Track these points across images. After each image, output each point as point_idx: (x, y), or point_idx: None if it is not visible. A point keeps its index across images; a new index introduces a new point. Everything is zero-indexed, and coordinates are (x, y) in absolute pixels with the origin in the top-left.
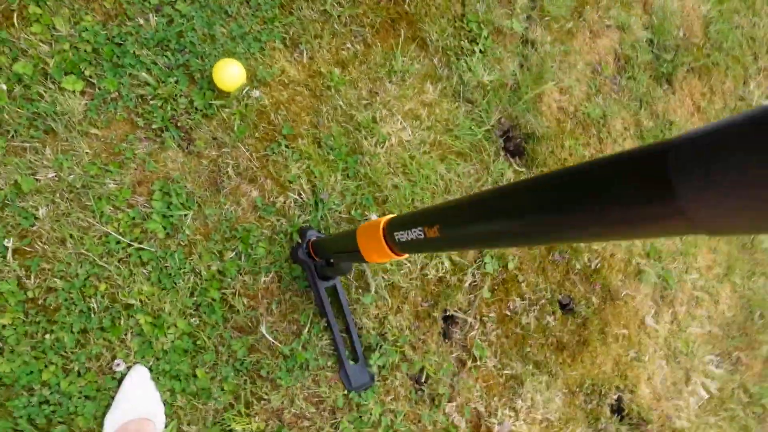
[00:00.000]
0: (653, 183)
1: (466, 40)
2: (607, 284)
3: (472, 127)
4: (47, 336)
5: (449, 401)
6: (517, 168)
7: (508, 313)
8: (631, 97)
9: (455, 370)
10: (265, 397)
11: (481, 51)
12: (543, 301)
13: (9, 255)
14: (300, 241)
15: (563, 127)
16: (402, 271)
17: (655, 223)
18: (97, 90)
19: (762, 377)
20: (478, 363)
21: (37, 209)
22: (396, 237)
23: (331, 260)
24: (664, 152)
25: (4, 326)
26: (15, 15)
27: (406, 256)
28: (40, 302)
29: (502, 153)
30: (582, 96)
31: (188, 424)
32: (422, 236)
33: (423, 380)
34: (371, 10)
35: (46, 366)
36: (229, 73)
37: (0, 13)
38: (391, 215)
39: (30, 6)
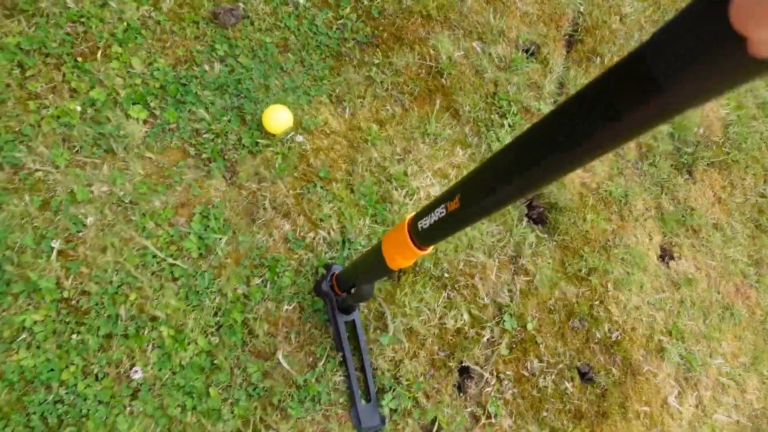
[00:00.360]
0: (640, 83)
1: (497, 115)
2: (628, 357)
3: None
4: (74, 336)
5: None
6: (539, 234)
7: (526, 374)
8: (652, 181)
9: (468, 426)
10: (274, 426)
11: (509, 125)
12: (561, 366)
13: (54, 255)
14: (325, 272)
15: (585, 202)
16: (420, 318)
17: (647, 119)
18: (158, 120)
19: None
20: (493, 421)
21: (86, 217)
22: (419, 226)
23: (352, 289)
24: (642, 53)
25: (35, 322)
26: (99, 51)
27: (429, 250)
28: (72, 303)
29: (525, 219)
30: (605, 175)
31: None
32: (444, 213)
33: (435, 431)
34: (411, 80)
35: (67, 366)
36: (278, 118)
37: (88, 49)
38: (414, 213)
39: (113, 46)
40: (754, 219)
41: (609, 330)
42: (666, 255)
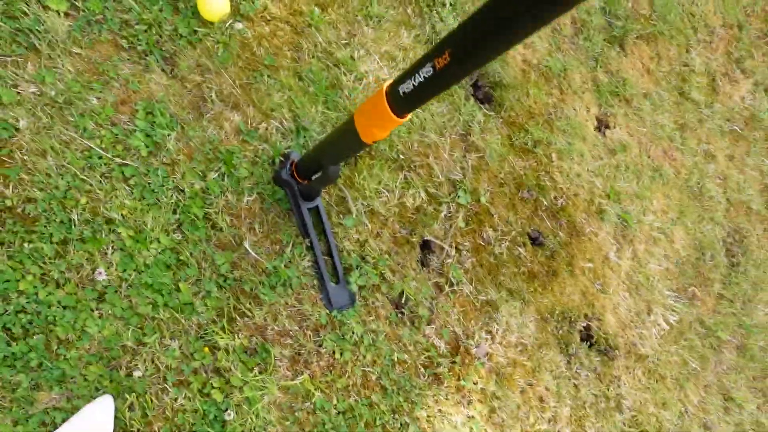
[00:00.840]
0: None
1: None
2: (572, 221)
3: None
4: (25, 245)
5: (428, 324)
6: (486, 112)
7: (482, 243)
8: (587, 56)
9: (433, 295)
10: (249, 313)
11: (451, 4)
12: (514, 233)
13: None
14: (283, 161)
15: (528, 78)
16: (381, 199)
17: None
18: (81, 12)
19: (715, 312)
20: (455, 288)
21: (18, 121)
22: (401, 91)
23: (314, 177)
24: None
25: None
26: None
27: (408, 117)
28: (18, 211)
29: (472, 99)
30: (544, 51)
31: (171, 338)
32: (431, 71)
33: (403, 303)
34: None
35: (23, 276)
36: (214, 3)
37: None
38: (390, 79)
39: None
40: (678, 87)
41: (555, 197)
42: (602, 124)
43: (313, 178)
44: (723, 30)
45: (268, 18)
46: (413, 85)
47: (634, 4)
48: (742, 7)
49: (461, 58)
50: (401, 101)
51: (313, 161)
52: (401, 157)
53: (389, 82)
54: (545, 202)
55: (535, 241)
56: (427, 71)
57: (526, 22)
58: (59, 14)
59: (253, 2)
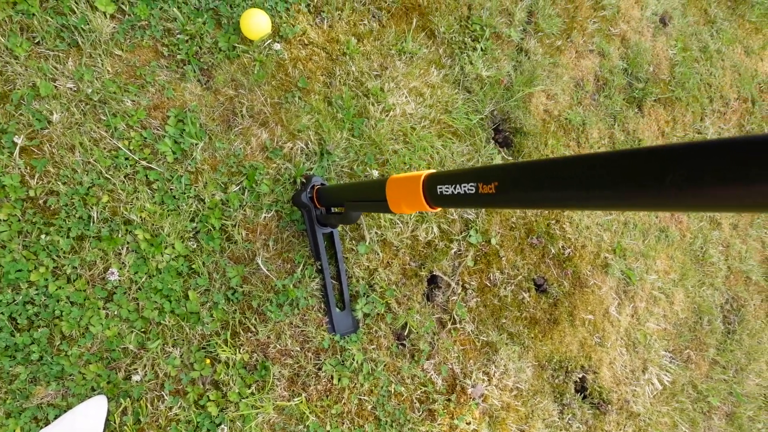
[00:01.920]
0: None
1: (469, 38)
2: (578, 272)
3: (469, 113)
4: (42, 237)
5: (428, 358)
6: (505, 156)
7: (488, 284)
8: (606, 113)
9: (435, 330)
10: (253, 329)
11: (482, 49)
12: (520, 278)
13: (16, 152)
14: (304, 182)
15: (547, 128)
16: (395, 230)
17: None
18: (127, 16)
19: (708, 377)
20: (457, 326)
21: (52, 114)
22: (438, 190)
23: (333, 209)
24: None
25: None
26: None
27: (438, 210)
28: (40, 203)
29: (492, 142)
30: (565, 104)
31: (173, 345)
32: (473, 191)
33: (405, 335)
34: None
35: (36, 267)
36: (257, 22)
37: None
38: (431, 170)
39: None
40: None
41: (562, 247)
42: None
43: (333, 210)
44: (737, 103)
45: (306, 42)
46: (453, 192)
47: (656, 68)
48: (757, 83)
49: (505, 194)
50: (436, 197)
51: (337, 197)
52: None
53: (429, 172)
54: (553, 251)
55: (540, 288)
56: (469, 189)
57: (574, 200)
58: (105, 15)
59: (293, 26)
